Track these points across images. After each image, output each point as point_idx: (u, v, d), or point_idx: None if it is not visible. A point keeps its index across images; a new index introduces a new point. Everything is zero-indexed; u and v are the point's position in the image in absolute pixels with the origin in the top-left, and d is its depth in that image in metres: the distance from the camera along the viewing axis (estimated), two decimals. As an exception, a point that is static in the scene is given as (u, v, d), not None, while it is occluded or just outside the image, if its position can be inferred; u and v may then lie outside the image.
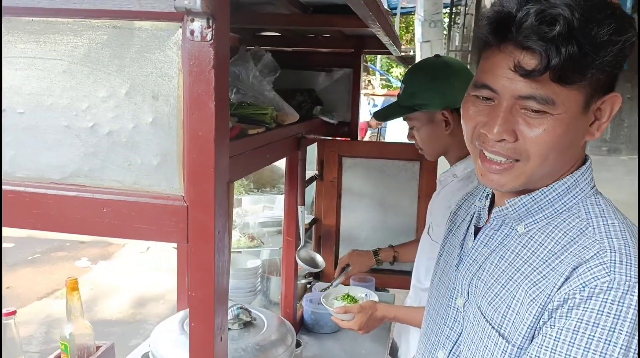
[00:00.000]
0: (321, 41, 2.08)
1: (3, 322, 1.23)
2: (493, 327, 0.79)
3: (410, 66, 1.70)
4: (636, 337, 0.66)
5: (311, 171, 2.19)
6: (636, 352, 0.66)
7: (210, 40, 0.62)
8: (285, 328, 1.60)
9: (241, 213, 2.03)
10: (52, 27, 0.67)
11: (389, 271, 2.14)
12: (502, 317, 0.78)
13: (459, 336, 0.88)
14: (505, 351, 0.76)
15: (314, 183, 2.18)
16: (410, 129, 1.62)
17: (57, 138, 0.68)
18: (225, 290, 0.71)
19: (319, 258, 1.76)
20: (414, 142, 1.63)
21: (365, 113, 8.88)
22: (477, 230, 0.92)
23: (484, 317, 0.81)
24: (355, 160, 2.12)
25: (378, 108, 8.37)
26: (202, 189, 0.66)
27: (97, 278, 5.04)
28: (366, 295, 1.74)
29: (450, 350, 0.89)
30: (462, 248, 0.94)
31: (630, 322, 0.66)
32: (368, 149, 2.05)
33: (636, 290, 0.67)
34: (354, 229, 2.19)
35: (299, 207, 1.67)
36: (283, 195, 1.95)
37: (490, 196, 0.92)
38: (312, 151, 2.20)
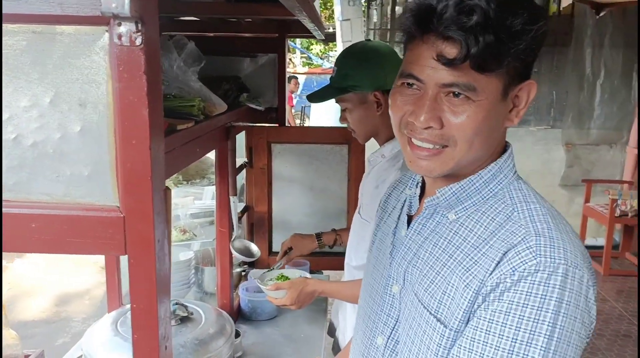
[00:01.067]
0: (244, 26, 2.05)
1: None
2: (430, 313, 0.82)
3: (342, 50, 1.73)
4: (561, 314, 0.71)
5: (240, 158, 2.17)
6: (562, 327, 0.71)
7: (140, 44, 0.60)
8: (223, 319, 1.60)
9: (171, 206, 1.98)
10: (-38, 33, 0.61)
11: (321, 253, 2.18)
12: (438, 303, 0.81)
13: (396, 322, 0.91)
14: (443, 335, 0.79)
15: (244, 170, 2.17)
16: (343, 111, 1.65)
17: (-24, 152, 0.64)
18: (168, 299, 0.70)
19: (253, 247, 1.76)
20: (346, 124, 1.66)
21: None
22: (409, 218, 0.95)
23: (421, 303, 0.84)
24: (284, 146, 2.12)
25: (300, 87, 8.34)
26: (139, 199, 0.64)
27: (14, 277, 4.76)
28: (300, 276, 1.77)
29: (389, 336, 0.91)
30: (395, 236, 0.96)
31: (555, 301, 0.71)
32: (296, 135, 2.06)
33: (560, 270, 0.72)
34: (286, 214, 2.20)
35: (231, 197, 1.65)
36: (213, 186, 1.92)
37: (420, 184, 0.95)
38: (240, 138, 2.18)
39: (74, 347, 1.68)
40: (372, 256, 1.04)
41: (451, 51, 0.74)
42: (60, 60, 0.62)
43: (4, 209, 0.64)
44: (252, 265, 2.18)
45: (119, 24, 0.59)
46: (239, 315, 1.84)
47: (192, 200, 2.10)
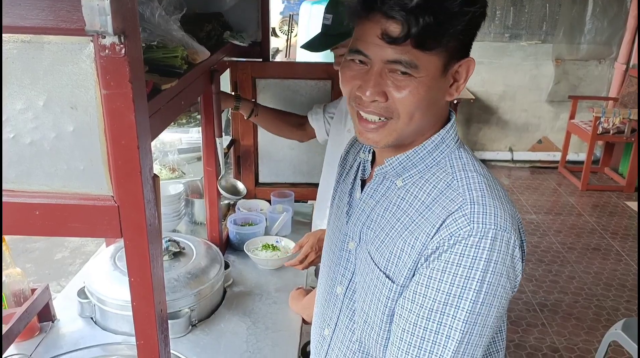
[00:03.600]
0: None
1: None
2: (380, 270, 0.92)
3: None
4: (489, 272, 0.82)
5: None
6: (489, 282, 0.82)
7: (124, 55, 0.65)
8: (213, 252, 1.73)
9: (160, 147, 2.04)
10: (-45, 42, 0.66)
11: (306, 184, 2.29)
12: (387, 261, 0.91)
13: (353, 275, 1.01)
14: (391, 289, 0.90)
15: (230, 104, 2.20)
16: (341, 56, 1.65)
17: (-21, 149, 0.70)
18: (161, 273, 0.80)
19: (240, 186, 1.86)
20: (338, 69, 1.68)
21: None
22: (363, 182, 1.03)
23: (373, 261, 0.94)
24: (268, 81, 2.15)
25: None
26: (130, 190, 0.72)
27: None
28: (277, 241, 1.93)
29: (347, 286, 1.02)
30: (351, 197, 1.05)
31: (484, 260, 0.81)
32: (280, 70, 2.09)
33: (490, 234, 0.82)
34: (270, 147, 2.28)
35: (216, 139, 1.72)
36: (197, 126, 1.98)
37: (372, 150, 1.03)
38: (226, 73, 2.19)
39: (75, 276, 1.81)
40: (333, 212, 1.13)
41: (394, 29, 0.80)
42: (50, 67, 0.67)
43: (9, 199, 0.72)
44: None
45: (103, 37, 0.64)
46: (227, 246, 1.97)
47: (180, 140, 2.16)
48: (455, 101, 5.36)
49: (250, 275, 1.83)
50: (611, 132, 5.03)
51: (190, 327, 1.54)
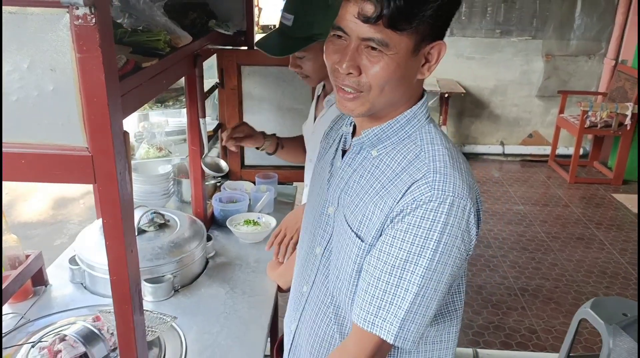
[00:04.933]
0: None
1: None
2: (352, 230, 1.02)
3: None
4: (445, 233, 0.92)
5: (213, 79, 2.33)
6: (445, 243, 0.92)
7: (94, 24, 0.77)
8: (197, 226, 1.85)
9: (148, 127, 2.16)
10: (-48, 12, 0.78)
11: (289, 166, 2.40)
12: (359, 223, 1.01)
13: (330, 237, 1.11)
14: (360, 247, 1.01)
15: (216, 90, 2.33)
16: (300, 59, 1.63)
17: (-28, 106, 0.82)
18: (131, 215, 0.92)
19: (222, 164, 1.97)
20: (296, 71, 1.66)
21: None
22: (344, 152, 1.13)
23: (347, 222, 1.04)
24: (253, 68, 2.27)
25: None
26: (102, 143, 0.84)
27: (9, 183, 4.99)
28: (258, 217, 2.03)
29: (325, 247, 1.13)
30: (332, 165, 1.15)
31: (441, 223, 0.92)
32: (264, 58, 2.19)
33: (448, 200, 0.92)
34: (256, 131, 2.39)
35: (200, 119, 1.84)
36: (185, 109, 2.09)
37: (353, 123, 1.13)
38: (212, 60, 2.31)
39: (68, 248, 1.93)
40: (315, 181, 1.24)
41: (369, 9, 0.89)
42: (33, 34, 0.79)
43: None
44: (225, 177, 2.41)
45: (77, 8, 0.76)
46: (212, 222, 2.09)
47: (167, 121, 2.27)
48: (446, 95, 5.47)
49: (232, 248, 1.95)
50: (599, 126, 5.14)
51: (173, 292, 1.66)
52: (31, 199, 4.76)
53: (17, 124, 0.84)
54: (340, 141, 1.17)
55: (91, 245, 1.69)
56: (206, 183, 2.09)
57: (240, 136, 1.92)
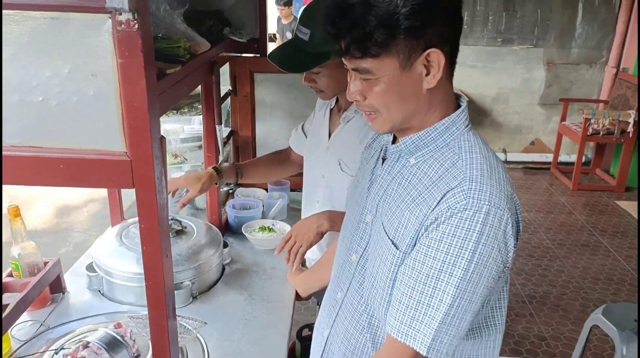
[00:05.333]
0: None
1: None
2: (389, 238, 1.02)
3: (308, 5, 1.57)
4: (480, 243, 0.90)
5: (225, 86, 2.33)
6: (480, 253, 0.90)
7: (137, 29, 0.78)
8: (213, 232, 1.85)
9: (163, 133, 2.16)
10: (-4, 18, 0.79)
11: (301, 174, 2.40)
12: (395, 230, 1.01)
13: (367, 244, 1.12)
14: (395, 255, 1.00)
15: (229, 98, 2.33)
16: (315, 73, 1.58)
17: (12, 110, 0.83)
18: (166, 221, 0.92)
19: (237, 171, 1.97)
20: (310, 85, 1.62)
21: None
22: (384, 161, 1.14)
23: (384, 230, 1.04)
24: (265, 75, 2.28)
25: None
26: (142, 148, 0.84)
27: (13, 190, 5.00)
28: (273, 224, 2.02)
29: (361, 255, 1.13)
30: (373, 174, 1.15)
31: (477, 233, 0.90)
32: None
33: (483, 209, 0.90)
34: (268, 138, 2.40)
35: (216, 126, 1.84)
36: (198, 116, 2.10)
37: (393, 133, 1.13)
38: (225, 67, 2.32)
39: (83, 255, 1.93)
40: (354, 189, 1.25)
41: (341, 46, 0.95)
42: (74, 40, 0.80)
43: (39, 154, 0.84)
44: (238, 184, 2.41)
45: (120, 14, 0.77)
46: (226, 228, 2.09)
47: (182, 128, 2.28)
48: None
49: (248, 254, 1.95)
50: (601, 133, 5.16)
51: (191, 299, 1.66)
52: (35, 208, 4.75)
53: (56, 129, 0.84)
54: (381, 150, 1.18)
55: (109, 251, 1.69)
56: (220, 188, 2.09)
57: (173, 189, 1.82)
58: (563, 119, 5.59)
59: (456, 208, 0.92)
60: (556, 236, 4.40)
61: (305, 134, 1.96)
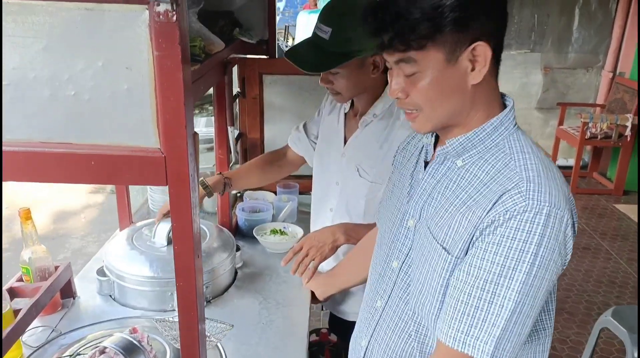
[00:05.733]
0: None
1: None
2: (438, 242, 0.98)
3: (331, 3, 1.52)
4: (542, 246, 0.87)
5: (234, 89, 2.31)
6: (542, 256, 0.87)
7: (175, 21, 0.75)
8: (226, 235, 1.82)
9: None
10: (27, 9, 0.75)
11: (309, 176, 2.37)
12: (445, 235, 0.97)
13: (410, 250, 1.08)
14: (446, 260, 0.96)
15: (237, 99, 2.31)
16: (333, 74, 1.52)
17: (43, 105, 0.80)
18: (198, 220, 0.89)
19: (249, 172, 1.94)
20: (327, 86, 1.57)
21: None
22: (426, 164, 1.10)
23: (432, 235, 1.00)
24: (274, 77, 2.26)
25: (283, 3, 7.67)
26: (176, 144, 0.81)
27: (9, 196, 4.93)
28: (284, 227, 1.99)
29: (403, 261, 1.09)
30: (413, 178, 1.12)
31: (538, 235, 0.87)
32: (286, 66, 2.18)
33: (544, 211, 0.87)
34: (277, 140, 2.37)
35: (229, 127, 1.82)
36: (207, 117, 2.07)
37: (435, 134, 1.09)
38: (234, 69, 2.30)
39: (92, 258, 1.89)
40: (390, 195, 1.20)
41: (385, 37, 0.93)
42: (110, 32, 0.77)
43: (69, 150, 0.82)
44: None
45: (158, 4, 0.74)
46: (236, 232, 2.06)
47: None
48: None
49: (260, 258, 1.92)
50: (599, 137, 5.18)
51: (205, 303, 1.62)
52: (32, 214, 4.68)
53: (88, 125, 0.81)
54: (420, 153, 1.13)
55: (120, 255, 1.66)
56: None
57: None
58: (561, 123, 5.61)
59: (515, 210, 0.88)
60: (557, 239, 4.39)
61: (307, 134, 1.92)
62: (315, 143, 1.88)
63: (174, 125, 0.80)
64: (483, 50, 0.91)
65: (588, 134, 5.15)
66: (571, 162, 5.51)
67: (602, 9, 5.58)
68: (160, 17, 0.75)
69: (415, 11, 0.88)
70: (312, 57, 1.51)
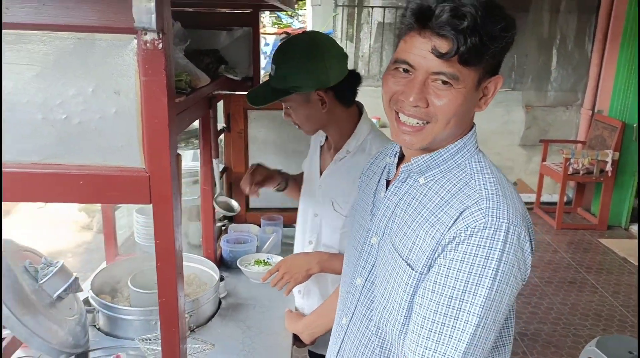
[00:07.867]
0: (220, 1, 2.20)
1: None
2: (402, 258, 1.01)
3: (279, 44, 1.66)
4: (502, 261, 0.90)
5: (219, 123, 2.37)
6: (503, 271, 0.91)
7: (161, 48, 0.81)
8: (209, 265, 1.85)
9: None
10: (23, 38, 0.81)
11: (294, 209, 2.42)
12: (408, 251, 1.00)
13: (373, 267, 1.11)
14: (410, 275, 0.99)
15: (223, 134, 2.37)
16: (286, 108, 1.64)
17: (35, 128, 0.84)
18: (180, 238, 0.93)
19: (234, 203, 1.99)
20: (289, 120, 1.67)
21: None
22: (388, 183, 1.14)
23: (396, 251, 1.03)
24: (259, 112, 2.33)
25: (270, 47, 8.01)
26: (160, 164, 0.86)
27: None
28: (268, 258, 2.01)
29: (366, 278, 1.12)
30: (375, 197, 1.16)
31: (499, 251, 0.91)
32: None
33: (503, 227, 0.91)
34: (261, 174, 2.42)
35: (213, 160, 1.87)
36: (192, 150, 2.12)
37: (397, 154, 1.14)
38: (219, 105, 2.37)
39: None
40: (355, 214, 1.25)
41: (443, 46, 0.92)
42: (100, 59, 0.83)
43: (59, 171, 0.86)
44: (231, 219, 2.42)
45: (145, 33, 0.80)
46: (221, 263, 2.08)
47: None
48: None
49: (243, 288, 1.94)
50: (581, 173, 5.29)
51: (189, 332, 1.64)
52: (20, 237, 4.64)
53: (77, 147, 0.86)
54: (382, 172, 1.17)
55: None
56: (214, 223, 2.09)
57: (260, 179, 1.88)
58: (544, 159, 5.73)
59: (475, 226, 0.92)
60: (543, 274, 4.43)
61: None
62: None
63: (158, 146, 0.85)
64: (497, 83, 0.99)
65: (570, 169, 5.27)
66: (556, 198, 5.61)
67: (579, 48, 5.80)
68: (147, 45, 0.81)
69: (496, 29, 0.91)
70: (260, 92, 1.64)
